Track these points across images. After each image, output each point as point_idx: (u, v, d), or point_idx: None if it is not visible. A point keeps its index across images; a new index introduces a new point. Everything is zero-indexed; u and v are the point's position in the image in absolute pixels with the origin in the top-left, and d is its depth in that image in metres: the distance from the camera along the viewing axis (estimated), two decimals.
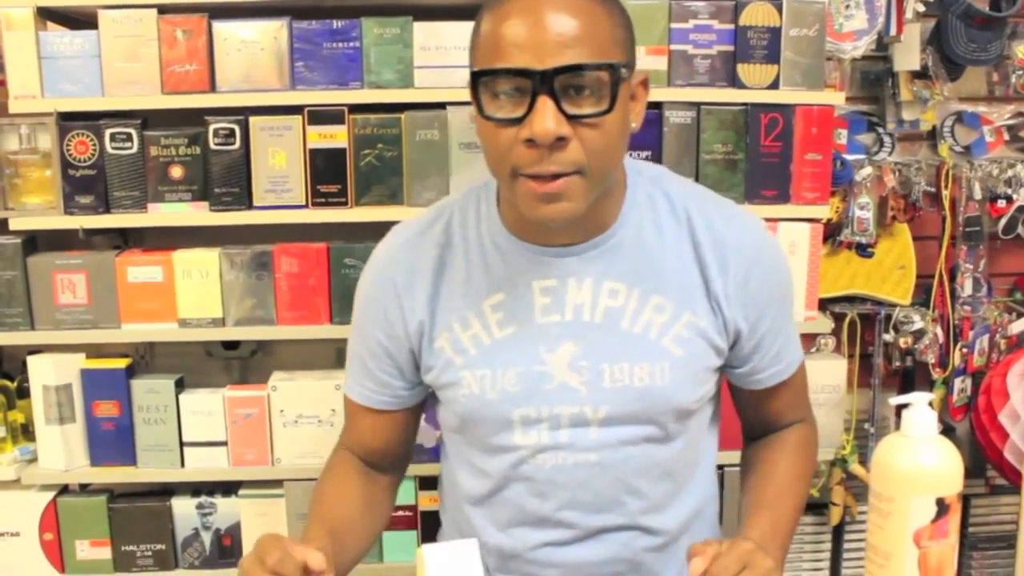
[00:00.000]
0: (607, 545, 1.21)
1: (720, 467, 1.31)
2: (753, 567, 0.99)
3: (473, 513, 1.26)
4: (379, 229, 1.33)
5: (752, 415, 1.32)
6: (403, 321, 1.19)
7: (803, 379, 1.30)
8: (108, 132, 1.80)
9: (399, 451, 1.33)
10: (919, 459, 1.02)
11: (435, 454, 1.87)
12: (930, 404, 1.03)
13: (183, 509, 1.93)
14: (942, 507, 1.01)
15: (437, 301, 1.18)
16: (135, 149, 1.81)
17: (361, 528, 1.24)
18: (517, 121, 1.00)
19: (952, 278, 2.19)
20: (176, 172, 1.82)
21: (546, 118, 0.98)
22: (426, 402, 1.31)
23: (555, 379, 1.14)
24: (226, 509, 1.93)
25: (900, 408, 1.06)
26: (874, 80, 2.20)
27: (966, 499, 2.31)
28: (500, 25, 1.00)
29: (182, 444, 1.89)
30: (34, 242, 1.90)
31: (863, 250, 2.13)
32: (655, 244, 1.15)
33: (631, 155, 1.82)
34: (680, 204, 1.17)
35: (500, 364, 1.15)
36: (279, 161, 1.81)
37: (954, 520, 1.03)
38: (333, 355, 2.01)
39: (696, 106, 1.83)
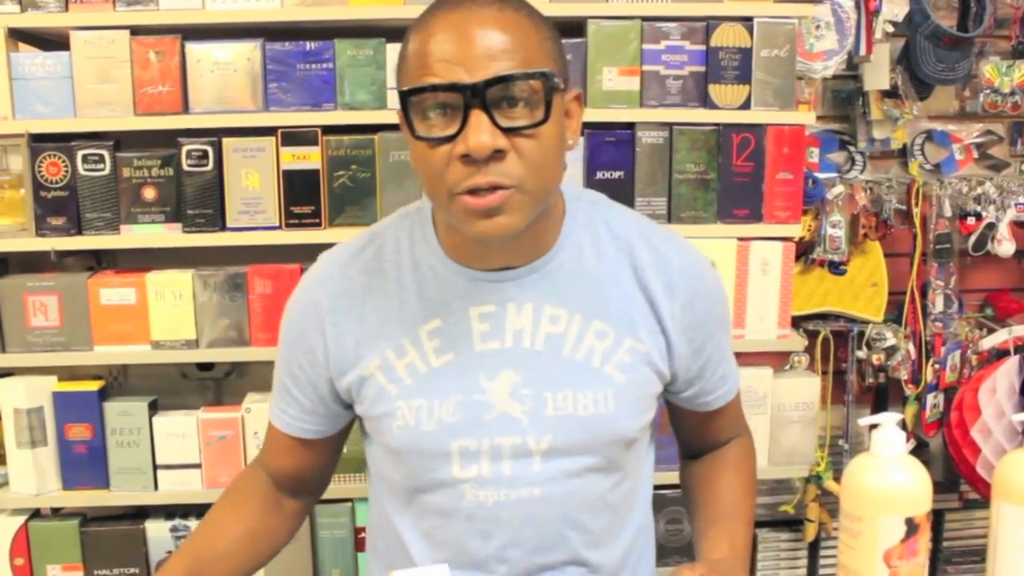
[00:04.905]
0: None
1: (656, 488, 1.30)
2: None
3: (410, 558, 1.18)
4: None
5: (694, 436, 1.31)
6: (324, 347, 1.14)
7: (739, 399, 1.30)
8: (80, 153, 1.79)
9: (315, 480, 1.28)
10: (888, 479, 1.02)
11: None
12: (903, 423, 1.04)
13: (157, 532, 1.91)
14: (911, 526, 1.02)
15: (365, 328, 1.13)
16: (107, 171, 1.80)
17: (234, 560, 1.21)
18: (451, 138, 0.97)
19: (923, 295, 2.20)
20: (149, 193, 1.81)
21: (481, 131, 0.95)
22: (348, 433, 1.26)
23: (495, 408, 1.10)
24: None
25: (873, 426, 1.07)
26: (845, 99, 2.22)
27: (940, 513, 2.32)
28: (427, 42, 0.97)
29: (155, 467, 1.88)
30: (5, 264, 1.89)
31: (835, 268, 2.14)
32: (595, 268, 1.12)
33: (593, 181, 1.84)
34: (620, 229, 1.15)
35: (437, 393, 1.10)
36: (252, 182, 1.81)
37: (923, 539, 1.03)
38: None
39: (668, 126, 1.84)
